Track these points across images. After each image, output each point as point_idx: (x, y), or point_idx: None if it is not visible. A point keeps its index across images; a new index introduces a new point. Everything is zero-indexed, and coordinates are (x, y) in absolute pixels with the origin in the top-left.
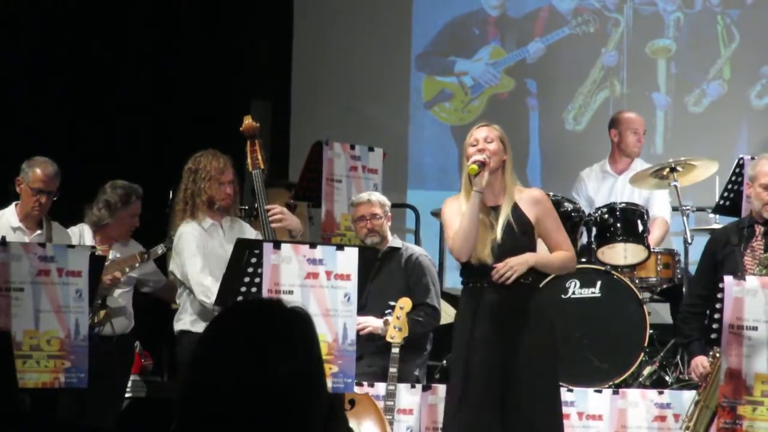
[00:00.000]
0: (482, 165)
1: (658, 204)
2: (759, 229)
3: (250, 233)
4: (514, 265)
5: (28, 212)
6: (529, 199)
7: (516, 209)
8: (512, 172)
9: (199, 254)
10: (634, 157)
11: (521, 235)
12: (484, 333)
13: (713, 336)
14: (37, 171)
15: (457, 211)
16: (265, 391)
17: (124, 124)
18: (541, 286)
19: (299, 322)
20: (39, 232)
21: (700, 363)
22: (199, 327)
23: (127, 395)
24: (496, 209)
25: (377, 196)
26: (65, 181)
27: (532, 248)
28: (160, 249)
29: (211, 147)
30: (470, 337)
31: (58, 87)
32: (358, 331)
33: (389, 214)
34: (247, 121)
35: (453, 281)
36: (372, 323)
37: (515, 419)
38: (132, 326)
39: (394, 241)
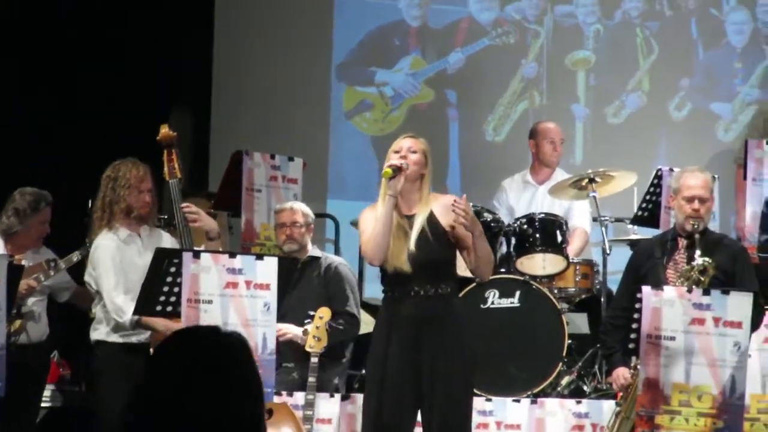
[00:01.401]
0: (398, 170)
1: (578, 215)
2: (681, 243)
3: (168, 242)
4: (469, 212)
5: None
6: (444, 206)
7: (431, 217)
8: (429, 187)
9: (112, 270)
10: (554, 167)
11: (435, 242)
12: (401, 342)
13: (631, 346)
14: None
15: (373, 219)
16: (219, 420)
17: (40, 129)
18: (460, 295)
19: (245, 350)
20: None
21: (621, 375)
22: (115, 337)
23: (44, 404)
24: (411, 218)
25: (301, 206)
26: None
27: (448, 255)
28: (75, 257)
29: (129, 155)
30: (386, 345)
31: None
32: (277, 338)
33: (311, 225)
34: (164, 130)
35: (372, 291)
36: (291, 330)
37: (428, 427)
38: (47, 334)
39: (313, 251)
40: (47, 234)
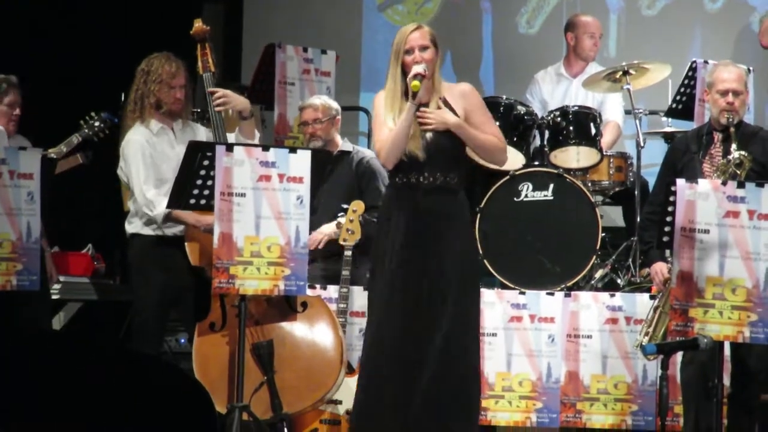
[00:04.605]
0: (422, 78)
1: (611, 108)
2: (717, 136)
3: (202, 135)
4: (437, 116)
5: None
6: (457, 94)
7: (445, 104)
8: (440, 74)
9: (143, 165)
10: (590, 61)
11: (449, 130)
12: (406, 229)
13: (665, 239)
14: None
15: (387, 109)
16: None
17: (77, 26)
18: (494, 188)
19: None
20: None
21: (660, 270)
22: (149, 230)
23: (80, 297)
24: (425, 106)
25: (322, 100)
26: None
27: (459, 144)
28: (75, 138)
29: (162, 50)
30: (392, 232)
31: None
32: (316, 247)
33: (337, 117)
34: (198, 24)
35: None
36: (324, 231)
37: (433, 316)
38: None
39: (344, 144)
40: (17, 117)
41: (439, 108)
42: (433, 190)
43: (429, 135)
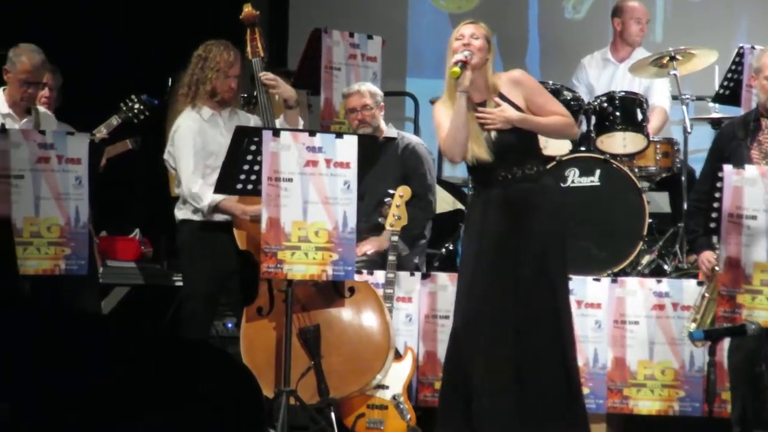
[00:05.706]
0: (464, 65)
1: (658, 93)
2: (765, 123)
3: (251, 123)
4: (498, 115)
5: (16, 101)
6: (510, 83)
7: (502, 99)
8: (492, 70)
9: (192, 155)
10: (636, 46)
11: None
12: (492, 227)
13: (712, 225)
14: (24, 61)
15: (445, 113)
16: None
17: (127, 8)
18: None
19: None
20: (27, 119)
21: (706, 259)
22: (199, 216)
23: (127, 282)
24: (482, 105)
25: (368, 86)
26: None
27: (527, 134)
28: (114, 120)
29: (211, 35)
30: (479, 232)
31: None
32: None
33: (382, 104)
34: (247, 8)
35: (450, 170)
36: (372, 242)
37: (523, 311)
38: None
39: (389, 130)
40: (48, 100)
41: (497, 105)
42: (513, 182)
43: (493, 134)
